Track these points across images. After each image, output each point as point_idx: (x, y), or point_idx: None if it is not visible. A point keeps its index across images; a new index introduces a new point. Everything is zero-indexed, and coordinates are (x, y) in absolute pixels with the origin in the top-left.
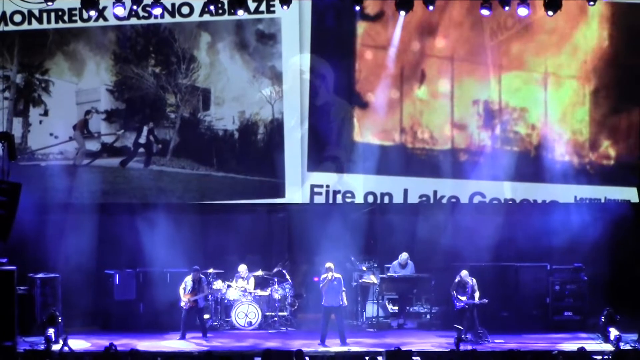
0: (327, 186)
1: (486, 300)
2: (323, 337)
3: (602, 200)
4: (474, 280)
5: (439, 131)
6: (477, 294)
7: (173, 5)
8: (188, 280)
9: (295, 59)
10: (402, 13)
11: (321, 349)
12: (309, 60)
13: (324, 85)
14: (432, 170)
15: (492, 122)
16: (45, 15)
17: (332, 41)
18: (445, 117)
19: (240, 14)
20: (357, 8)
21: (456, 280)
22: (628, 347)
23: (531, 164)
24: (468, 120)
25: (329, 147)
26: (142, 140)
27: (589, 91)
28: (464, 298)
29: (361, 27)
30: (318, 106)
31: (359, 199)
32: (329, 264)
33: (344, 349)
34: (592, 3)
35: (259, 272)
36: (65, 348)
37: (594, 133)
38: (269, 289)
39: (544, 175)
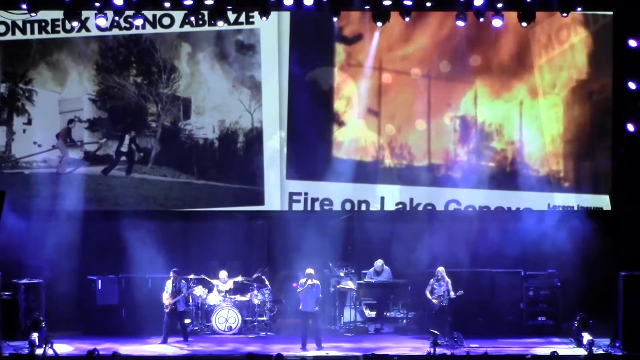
0: (306, 194)
1: (462, 292)
2: (304, 341)
3: (575, 208)
4: (449, 281)
5: (417, 147)
6: (452, 292)
7: (154, 16)
8: (168, 283)
9: (275, 69)
10: (376, 35)
11: (301, 353)
12: (287, 70)
13: (303, 96)
14: (408, 179)
15: (468, 138)
16: (28, 25)
17: (312, 52)
18: (423, 133)
19: (220, 24)
20: (335, 19)
21: (433, 278)
22: (600, 351)
23: (507, 177)
24: (445, 136)
25: (307, 156)
26: (124, 148)
27: (562, 105)
28: (435, 301)
29: (340, 47)
30: (297, 116)
31: (337, 207)
32: (309, 270)
33: (322, 353)
34: (564, 15)
35: (239, 278)
36: (50, 351)
37: (568, 145)
38: (249, 294)
39: (518, 184)
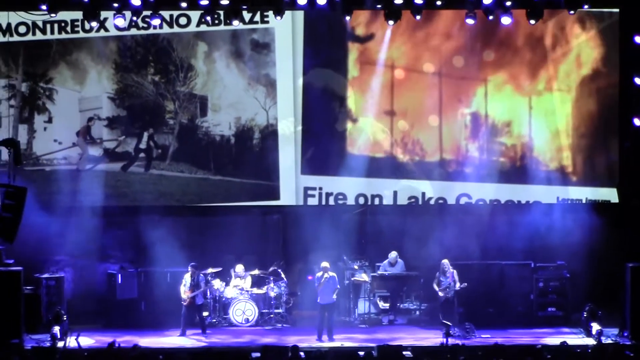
0: (320, 188)
1: (465, 284)
2: (319, 333)
3: (584, 201)
4: (455, 272)
5: (428, 143)
6: (457, 284)
7: (171, 16)
8: (187, 277)
9: (289, 67)
10: (388, 33)
11: (317, 344)
12: (301, 68)
13: (317, 93)
14: (420, 174)
15: (479, 134)
16: (48, 26)
17: (325, 50)
18: (435, 129)
19: (236, 24)
20: (347, 18)
21: (439, 271)
22: (609, 341)
23: (516, 171)
24: (456, 132)
25: (321, 152)
26: (143, 145)
27: (571, 100)
28: (441, 293)
29: (352, 45)
30: (311, 113)
31: (351, 201)
32: (324, 264)
33: (337, 344)
34: (572, 12)
35: (256, 271)
36: (74, 343)
37: (577, 140)
38: (265, 287)
39: (527, 178)
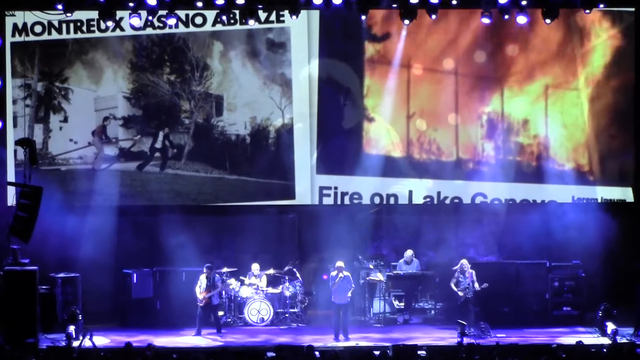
0: (336, 188)
1: (486, 285)
2: (336, 332)
3: (599, 200)
4: (474, 272)
5: (445, 143)
6: (476, 285)
7: (187, 15)
8: (202, 278)
9: (305, 66)
10: (404, 32)
11: (332, 343)
12: (317, 68)
13: (333, 93)
14: (436, 174)
15: (495, 134)
16: (64, 26)
17: (341, 50)
18: (451, 129)
19: (251, 23)
20: (363, 17)
21: (456, 268)
22: (624, 340)
23: (533, 171)
24: (472, 132)
25: (337, 151)
26: (158, 145)
27: (587, 100)
28: (461, 293)
29: (369, 44)
30: (327, 112)
31: (366, 200)
32: (339, 263)
33: (352, 343)
34: (587, 11)
35: (271, 271)
36: (88, 342)
37: (592, 139)
38: (280, 286)
39: (543, 177)
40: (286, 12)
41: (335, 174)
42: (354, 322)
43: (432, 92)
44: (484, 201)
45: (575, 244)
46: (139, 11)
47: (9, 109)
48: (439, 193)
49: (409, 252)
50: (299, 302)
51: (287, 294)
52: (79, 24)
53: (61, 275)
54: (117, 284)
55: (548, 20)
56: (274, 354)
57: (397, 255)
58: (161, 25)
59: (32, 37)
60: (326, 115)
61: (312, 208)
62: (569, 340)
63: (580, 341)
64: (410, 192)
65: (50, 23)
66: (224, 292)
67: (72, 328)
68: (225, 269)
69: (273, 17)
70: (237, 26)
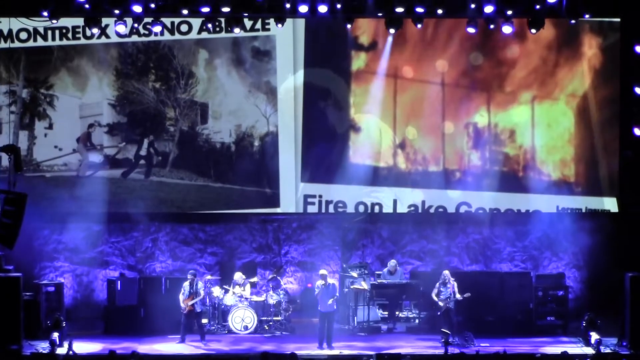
0: (320, 196)
1: (469, 294)
2: (320, 340)
3: (583, 210)
4: (455, 283)
5: (431, 153)
6: (457, 294)
7: (172, 23)
8: (185, 285)
9: (290, 75)
10: (389, 41)
11: (315, 351)
12: (302, 76)
13: (318, 101)
14: (422, 184)
15: (481, 144)
16: (50, 32)
17: (327, 58)
18: (438, 139)
19: (237, 31)
20: (349, 26)
21: (439, 281)
22: (608, 350)
23: (518, 181)
24: (459, 142)
25: (322, 160)
26: (143, 152)
27: (573, 111)
28: (441, 304)
29: (355, 53)
30: (312, 121)
31: (351, 209)
32: (322, 271)
33: (336, 352)
34: (573, 22)
35: (255, 279)
36: (70, 352)
37: (578, 150)
38: (264, 294)
39: (529, 187)
40: (272, 21)
41: (320, 183)
42: (337, 331)
43: (418, 102)
44: (468, 210)
45: (559, 254)
46: (125, 18)
47: None
48: (423, 202)
49: (392, 262)
50: (283, 310)
51: (271, 302)
52: (64, 30)
53: (45, 282)
54: (101, 291)
55: (534, 30)
56: None
57: (381, 264)
58: (147, 32)
59: (17, 44)
60: (311, 123)
61: (296, 216)
62: (553, 350)
63: (565, 351)
64: (395, 201)
65: (35, 30)
66: (207, 300)
67: (56, 335)
68: (208, 277)
69: (259, 25)
70: (223, 34)
